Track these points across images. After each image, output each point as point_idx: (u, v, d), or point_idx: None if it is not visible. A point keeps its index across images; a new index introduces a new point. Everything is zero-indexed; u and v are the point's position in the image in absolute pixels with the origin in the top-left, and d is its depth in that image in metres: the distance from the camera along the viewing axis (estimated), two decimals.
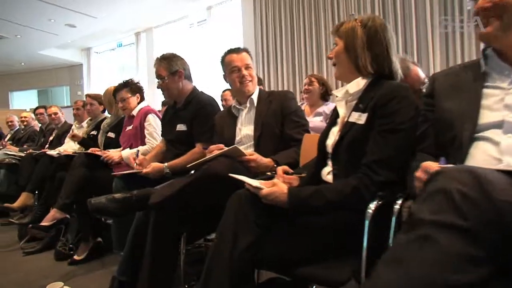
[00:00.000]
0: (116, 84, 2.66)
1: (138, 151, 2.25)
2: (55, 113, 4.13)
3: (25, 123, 4.93)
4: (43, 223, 2.19)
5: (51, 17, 6.89)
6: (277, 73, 5.96)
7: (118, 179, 2.01)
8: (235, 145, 1.48)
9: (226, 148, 1.46)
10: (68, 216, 2.25)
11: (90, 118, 3.33)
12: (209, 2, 7.05)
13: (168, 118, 2.21)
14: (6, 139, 5.01)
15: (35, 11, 6.56)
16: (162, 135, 2.29)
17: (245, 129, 1.78)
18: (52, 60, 9.74)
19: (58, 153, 3.05)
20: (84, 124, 3.54)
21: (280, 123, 1.70)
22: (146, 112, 2.50)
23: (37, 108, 4.52)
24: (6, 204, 2.83)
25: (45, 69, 10.68)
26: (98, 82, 9.44)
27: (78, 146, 3.38)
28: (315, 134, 1.60)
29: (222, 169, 1.31)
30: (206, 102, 2.07)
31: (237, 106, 1.84)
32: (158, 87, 2.11)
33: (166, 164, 1.94)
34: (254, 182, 1.10)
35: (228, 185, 1.28)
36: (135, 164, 2.02)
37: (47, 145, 3.97)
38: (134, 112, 2.56)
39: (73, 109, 3.76)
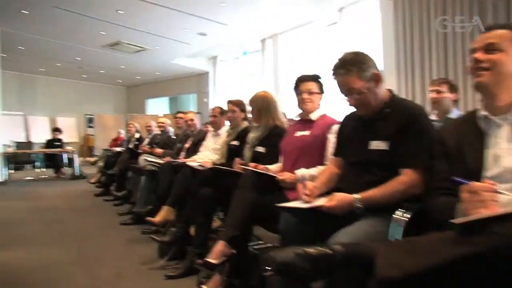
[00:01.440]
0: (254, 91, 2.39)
1: (303, 176, 1.74)
2: (192, 120, 4.07)
3: (162, 128, 5.01)
4: (211, 260, 1.78)
5: (185, 26, 7.18)
6: (424, 82, 4.86)
7: (287, 213, 1.51)
8: None
9: None
10: (234, 251, 1.82)
11: (232, 127, 3.01)
12: (340, 3, 6.46)
13: (351, 132, 1.62)
14: (144, 143, 5.19)
15: (171, 21, 6.91)
16: (339, 155, 1.69)
17: (508, 158, 1.09)
18: (182, 69, 10.43)
19: (200, 165, 2.77)
20: (222, 132, 3.27)
21: None
22: (332, 122, 1.99)
23: (177, 112, 4.57)
24: (148, 218, 2.66)
25: (176, 78, 11.55)
26: (223, 89, 9.71)
27: (216, 156, 3.13)
28: None
29: None
30: (419, 111, 1.44)
31: (489, 117, 1.15)
32: (351, 105, 1.52)
33: (358, 195, 1.37)
34: None
35: None
36: (303, 195, 1.50)
37: (183, 152, 3.86)
38: (313, 116, 2.06)
39: (210, 116, 3.54)
